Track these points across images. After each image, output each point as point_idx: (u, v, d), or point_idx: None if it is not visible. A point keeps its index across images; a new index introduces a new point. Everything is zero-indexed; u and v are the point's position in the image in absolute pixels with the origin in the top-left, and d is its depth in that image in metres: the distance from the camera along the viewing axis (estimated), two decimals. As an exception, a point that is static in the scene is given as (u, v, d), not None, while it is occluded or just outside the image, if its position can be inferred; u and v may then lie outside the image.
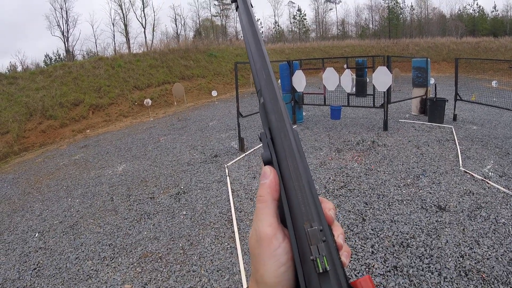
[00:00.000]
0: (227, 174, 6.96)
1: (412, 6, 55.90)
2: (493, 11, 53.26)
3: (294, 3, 59.43)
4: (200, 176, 6.97)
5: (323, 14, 59.06)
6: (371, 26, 57.64)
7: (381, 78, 8.94)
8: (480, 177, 5.91)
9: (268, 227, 0.43)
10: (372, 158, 7.25)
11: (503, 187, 5.52)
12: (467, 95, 10.87)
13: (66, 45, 40.08)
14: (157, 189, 6.54)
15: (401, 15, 56.06)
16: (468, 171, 6.20)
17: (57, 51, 42.57)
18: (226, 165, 7.46)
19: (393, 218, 4.77)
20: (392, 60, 9.70)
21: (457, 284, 3.45)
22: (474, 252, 3.91)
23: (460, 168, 6.40)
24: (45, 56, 42.58)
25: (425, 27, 51.69)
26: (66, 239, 5.07)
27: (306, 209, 0.43)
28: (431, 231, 4.39)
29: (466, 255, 3.87)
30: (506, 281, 3.47)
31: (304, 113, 11.73)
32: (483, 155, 7.10)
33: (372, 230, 4.52)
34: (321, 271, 0.39)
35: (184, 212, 5.46)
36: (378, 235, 4.39)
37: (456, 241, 4.15)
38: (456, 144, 7.80)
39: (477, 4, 53.84)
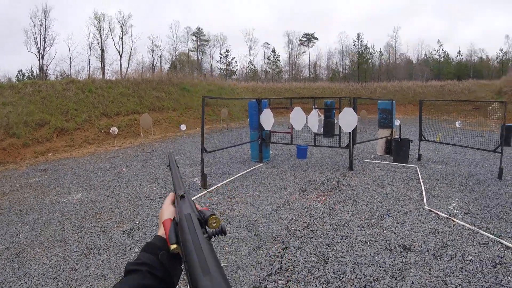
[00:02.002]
0: (185, 213, 6.61)
1: (381, 52, 58.84)
2: (457, 55, 56.78)
3: (269, 44, 61.61)
4: (158, 212, 6.58)
5: (296, 57, 61.29)
6: (341, 69, 60.01)
7: (347, 119, 9.04)
8: (445, 215, 5.87)
9: (169, 203, 1.01)
10: (336, 198, 7.13)
11: (469, 224, 5.49)
12: (431, 136, 11.16)
13: (41, 63, 39.59)
14: (111, 223, 6.14)
15: (370, 60, 58.73)
16: (433, 210, 6.16)
17: (31, 68, 42.06)
18: (186, 203, 7.12)
19: (356, 260, 4.57)
20: (360, 102, 9.93)
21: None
22: None
23: (425, 207, 6.36)
24: (18, 71, 41.86)
25: (392, 72, 54.17)
26: (10, 267, 4.65)
27: (179, 187, 1.03)
28: (396, 273, 4.20)
29: None
30: None
31: (271, 152, 11.66)
32: (447, 193, 7.13)
33: (334, 273, 4.28)
34: (180, 195, 0.93)
35: (136, 250, 5.06)
36: (340, 278, 4.16)
37: (422, 282, 3.97)
38: (420, 183, 7.84)
39: (442, 50, 57.28)
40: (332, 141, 10.60)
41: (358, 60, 57.36)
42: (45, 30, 39.62)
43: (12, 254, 5.05)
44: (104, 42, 44.57)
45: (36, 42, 39.23)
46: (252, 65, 60.87)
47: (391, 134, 11.36)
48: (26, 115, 14.60)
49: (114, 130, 14.38)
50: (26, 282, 4.28)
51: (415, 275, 4.12)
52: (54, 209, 6.91)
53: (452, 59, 56.87)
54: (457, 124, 15.05)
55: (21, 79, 38.52)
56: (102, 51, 44.37)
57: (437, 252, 4.66)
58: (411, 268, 4.29)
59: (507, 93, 24.28)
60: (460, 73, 49.47)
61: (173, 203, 0.99)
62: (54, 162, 11.87)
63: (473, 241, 4.93)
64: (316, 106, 10.03)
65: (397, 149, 10.25)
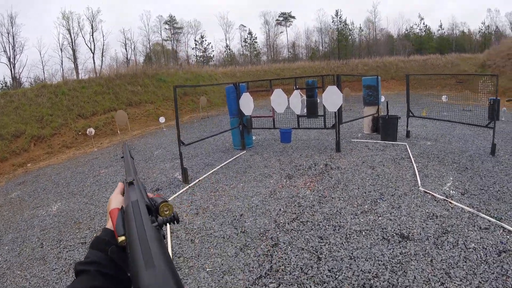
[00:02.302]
0: (166, 212, 6.16)
1: (360, 28, 58.35)
2: (439, 29, 56.81)
3: (245, 26, 60.35)
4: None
5: (274, 37, 60.28)
6: (321, 48, 59.35)
7: (331, 98, 8.62)
8: (441, 197, 5.54)
9: (117, 192, 0.92)
10: (325, 183, 6.73)
11: (467, 206, 5.16)
12: (417, 111, 10.84)
13: (13, 72, 38.20)
14: (90, 232, 5.70)
15: (350, 37, 58.24)
16: (428, 191, 5.82)
17: (3, 78, 40.22)
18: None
19: (352, 253, 4.19)
20: (343, 80, 9.47)
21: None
22: None
23: (420, 188, 6.02)
24: None
25: (373, 48, 53.86)
26: None
27: (129, 174, 0.97)
28: (396, 267, 3.83)
29: None
30: None
31: (253, 137, 11.20)
32: (441, 172, 6.80)
33: (329, 271, 3.90)
34: (128, 181, 0.87)
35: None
36: (336, 277, 3.78)
37: (424, 276, 3.62)
38: (412, 162, 7.51)
39: (423, 24, 57.15)
40: (316, 122, 10.16)
41: (337, 37, 56.79)
42: (13, 38, 38.10)
43: (-8, 281, 4.73)
44: (74, 41, 43.18)
45: (5, 51, 37.65)
46: (229, 49, 59.60)
47: (378, 111, 11.01)
48: (0, 127, 14.08)
49: (91, 131, 13.74)
50: (6, 311, 3.98)
51: (416, 268, 3.77)
52: (33, 224, 6.51)
53: (434, 33, 56.84)
54: (444, 98, 14.81)
55: (-5, 91, 37.01)
56: (74, 51, 43.01)
57: (437, 240, 4.32)
58: (411, 260, 3.94)
59: (491, 67, 24.18)
60: (442, 47, 49.49)
61: (123, 192, 0.92)
62: (33, 173, 11.29)
63: (474, 226, 4.59)
64: (297, 87, 9.55)
65: (384, 127, 9.91)
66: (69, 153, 13.89)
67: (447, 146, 8.75)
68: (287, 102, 9.37)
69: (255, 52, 59.96)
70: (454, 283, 3.47)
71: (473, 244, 4.14)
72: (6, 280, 4.67)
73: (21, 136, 14.09)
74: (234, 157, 9.39)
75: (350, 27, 58.01)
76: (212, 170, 8.33)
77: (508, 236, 4.28)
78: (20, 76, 38.92)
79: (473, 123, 9.09)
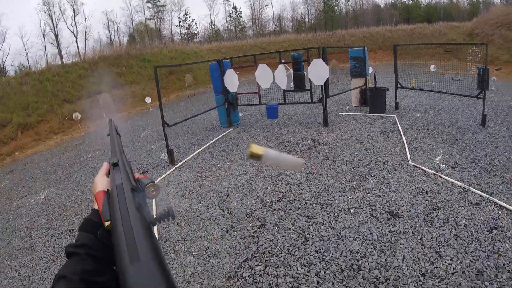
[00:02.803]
0: (152, 194, 5.97)
1: (347, -2, 57.15)
2: None
3: (229, 1, 58.70)
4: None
5: (259, 11, 58.88)
6: (307, 20, 58.27)
7: (317, 71, 8.35)
8: (431, 171, 5.40)
9: (102, 173, 0.86)
10: (313, 159, 6.56)
11: (458, 181, 5.02)
12: (405, 82, 10.60)
13: None
14: (77, 219, 5.56)
15: (336, 7, 57.13)
16: (417, 165, 5.68)
17: None
18: (153, 183, 6.46)
19: (340, 233, 4.05)
20: (329, 52, 9.19)
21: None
22: (437, 268, 3.28)
23: (409, 162, 5.87)
24: None
25: (360, 18, 53.00)
26: None
27: (113, 154, 0.90)
28: (385, 246, 3.70)
29: (427, 273, 3.23)
30: None
31: (240, 114, 10.92)
32: (431, 144, 6.65)
33: (317, 252, 3.76)
34: (113, 162, 0.82)
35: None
36: (324, 258, 3.64)
37: (414, 255, 3.50)
38: (401, 135, 7.34)
39: (411, -8, 56.08)
40: (303, 96, 9.87)
41: (324, 8, 55.71)
42: None
43: (-18, 273, 4.64)
44: (56, 26, 42.01)
45: None
46: (214, 25, 58.12)
47: (365, 83, 10.77)
48: None
49: (77, 116, 13.36)
50: (-4, 301, 3.93)
51: (406, 247, 3.64)
52: (21, 214, 6.38)
53: (421, 1, 55.95)
54: (432, 68, 14.59)
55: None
56: (56, 36, 41.90)
57: (427, 216, 4.19)
58: (400, 239, 3.81)
59: (479, 35, 23.84)
60: (430, 16, 48.74)
61: (108, 173, 0.85)
62: (22, 161, 11.02)
63: (465, 201, 4.46)
64: (283, 61, 9.25)
65: (373, 99, 9.71)
66: (56, 139, 13.63)
67: (436, 117, 8.59)
68: (272, 77, 9.08)
69: (240, 27, 58.68)
70: (445, 262, 3.36)
71: (464, 221, 4.02)
72: (-3, 271, 4.61)
73: (7, 125, 13.82)
74: (221, 135, 9.16)
75: (336, -3, 56.92)
76: (199, 150, 8.11)
77: (499, 212, 4.15)
78: (4, 65, 38.04)
79: (462, 93, 8.92)
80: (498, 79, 13.58)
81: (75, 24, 43.60)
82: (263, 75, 9.18)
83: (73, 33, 43.39)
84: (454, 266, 3.28)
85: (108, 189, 0.76)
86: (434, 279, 3.15)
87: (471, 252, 3.45)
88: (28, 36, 51.03)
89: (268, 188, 5.55)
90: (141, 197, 0.67)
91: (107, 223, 0.64)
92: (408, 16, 51.45)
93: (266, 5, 59.39)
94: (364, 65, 10.82)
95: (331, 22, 53.50)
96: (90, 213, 0.77)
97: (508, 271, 3.17)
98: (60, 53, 41.18)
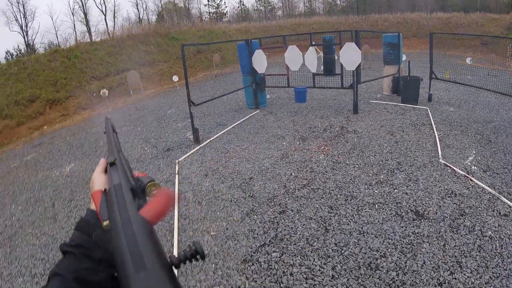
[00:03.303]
0: (176, 171, 6.00)
1: (382, -20, 54.95)
2: None
3: None
4: (149, 174, 5.89)
5: (289, -9, 57.33)
6: (338, 2, 56.48)
7: (349, 56, 8.03)
8: (462, 172, 5.11)
9: (100, 171, 0.83)
10: (340, 147, 6.36)
11: (489, 186, 4.72)
12: (440, 73, 10.08)
13: (26, 39, 37.77)
14: None
15: (370, -10, 55.15)
16: (448, 164, 5.39)
17: (18, 46, 40.01)
18: (177, 161, 6.49)
19: (362, 228, 3.91)
20: (362, 36, 8.81)
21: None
22: (455, 279, 3.11)
23: (440, 160, 5.58)
24: (6, 52, 40.03)
25: (394, 2, 51.03)
26: (2, 252, 4.49)
27: (110, 153, 0.86)
28: (406, 248, 3.55)
29: (445, 283, 3.08)
30: None
31: (268, 96, 10.71)
32: (463, 143, 6.31)
33: (336, 245, 3.65)
34: (110, 162, 0.77)
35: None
36: (342, 252, 3.54)
37: (435, 262, 3.34)
38: (433, 129, 7.01)
39: (448, -22, 53.47)
40: (333, 80, 9.54)
41: (357, -10, 53.89)
42: (23, 6, 37.26)
43: (5, 239, 4.83)
44: (85, 4, 41.96)
45: (16, 20, 37.04)
46: (243, 5, 57.02)
47: (399, 71, 10.34)
48: (15, 94, 14.06)
49: (105, 92, 13.36)
50: (16, 267, 4.10)
51: (427, 252, 3.48)
52: (46, 185, 6.54)
53: (460, -11, 53.39)
54: (468, 60, 13.88)
55: (10, 59, 37.03)
56: (85, 14, 41.80)
57: (453, 222, 3.97)
58: (424, 242, 3.64)
59: (517, 29, 22.63)
60: (466, 5, 46.37)
61: (106, 171, 0.81)
62: (49, 135, 11.21)
63: (493, 210, 4.18)
64: (313, 43, 8.93)
65: (405, 89, 9.29)
66: (84, 114, 13.80)
67: (470, 113, 8.15)
68: (302, 60, 8.80)
69: (269, 7, 57.46)
70: (464, 274, 3.17)
71: (489, 232, 3.77)
72: (18, 238, 4.73)
73: (36, 101, 14.14)
74: (247, 117, 9.02)
75: (371, -21, 54.84)
76: (224, 130, 8.02)
77: (528, 226, 3.88)
78: (34, 43, 38.46)
79: (499, 90, 8.42)
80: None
81: (104, 3, 43.72)
82: (292, 57, 8.91)
83: (102, 12, 43.47)
84: (473, 281, 3.09)
85: (105, 189, 0.72)
86: None
87: (492, 268, 3.24)
88: (58, 14, 51.56)
89: (293, 174, 5.43)
90: (141, 197, 0.64)
91: (105, 223, 0.59)
92: (444, 3, 49.23)
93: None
94: (398, 52, 10.33)
95: (363, 5, 51.72)
96: (86, 213, 0.73)
97: None
98: (89, 31, 41.40)
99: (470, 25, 28.48)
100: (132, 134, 8.83)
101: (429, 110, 8.42)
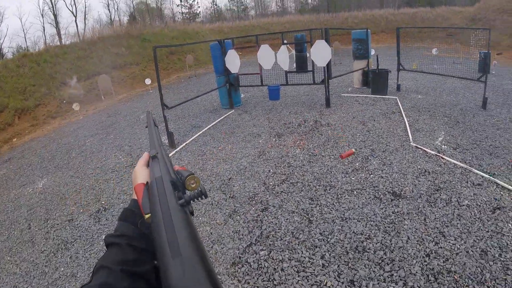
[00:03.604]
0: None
1: (351, -21, 56.06)
2: None
3: None
4: (124, 185, 5.85)
5: (262, -10, 57.82)
6: (310, 1, 57.30)
7: (320, 53, 8.20)
8: (433, 152, 5.34)
9: (142, 164, 0.82)
10: (315, 140, 6.48)
11: (460, 161, 4.96)
12: (408, 64, 10.42)
13: None
14: (77, 208, 5.41)
15: (339, -11, 56.16)
16: (419, 146, 5.62)
17: None
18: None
19: (343, 214, 4.01)
20: (332, 33, 9.01)
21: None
22: (441, 248, 3.27)
23: (411, 143, 5.80)
24: None
25: (363, 0, 52.11)
26: None
27: (152, 146, 0.88)
28: (389, 227, 3.68)
29: (432, 253, 3.22)
30: (481, 279, 2.89)
31: (242, 95, 10.77)
32: (432, 126, 6.57)
33: (321, 234, 3.72)
34: (152, 155, 0.81)
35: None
36: (328, 240, 3.61)
37: (418, 236, 3.49)
38: (403, 116, 7.24)
39: (415, -24, 55.00)
40: (306, 77, 9.72)
41: (327, -11, 54.79)
42: None
43: (-17, 271, 4.51)
44: (55, 5, 40.73)
45: None
46: (216, 5, 57.23)
47: (368, 65, 10.62)
48: None
49: (77, 105, 12.83)
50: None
51: (410, 228, 3.62)
52: (19, 204, 6.16)
53: (424, -15, 55.00)
54: (434, 51, 14.38)
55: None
56: (55, 15, 40.54)
57: (430, 197, 4.16)
58: (404, 219, 3.78)
59: (481, 20, 23.42)
60: (432, 0, 48.05)
61: (148, 164, 0.83)
62: (20, 148, 10.69)
63: (467, 182, 4.42)
64: (285, 41, 9.07)
65: (375, 81, 9.58)
66: (54, 123, 13.24)
67: (438, 99, 8.47)
68: (274, 58, 8.92)
69: (242, 7, 57.81)
70: (449, 242, 3.34)
71: (466, 201, 3.98)
72: (-3, 267, 4.47)
73: (4, 111, 13.36)
74: (222, 117, 9.04)
75: (340, -22, 55.86)
76: (200, 132, 8.00)
77: (501, 193, 4.11)
78: (2, 47, 36.87)
79: (464, 76, 8.77)
80: (499, 64, 13.40)
81: (75, 3, 42.67)
82: (265, 55, 9.02)
83: (72, 13, 42.42)
84: (458, 246, 3.26)
85: (147, 182, 0.74)
86: (439, 259, 3.13)
87: (475, 232, 3.44)
88: (27, 16, 49.96)
89: (271, 170, 5.49)
90: (181, 189, 0.66)
91: (147, 216, 0.62)
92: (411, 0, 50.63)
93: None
94: (366, 47, 10.65)
95: (334, 4, 52.63)
96: (130, 203, 0.77)
97: None
98: (59, 34, 40.07)
99: (436, 18, 29.36)
100: (105, 142, 8.64)
101: (398, 99, 8.69)
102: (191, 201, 0.61)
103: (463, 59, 13.37)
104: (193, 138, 7.67)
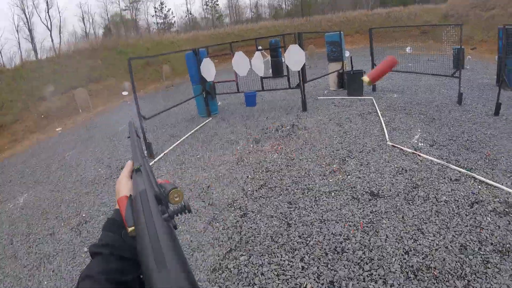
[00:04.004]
0: (133, 190, 5.84)
1: (324, -17, 57.01)
2: None
3: None
4: (104, 198, 5.78)
5: (236, -3, 58.12)
6: (284, 6, 57.89)
7: (294, 57, 8.28)
8: (410, 150, 5.43)
9: (125, 175, 0.85)
10: (293, 145, 6.52)
11: (437, 158, 5.06)
12: (383, 64, 10.59)
13: None
14: (58, 222, 5.34)
15: (313, -8, 56.97)
16: (396, 145, 5.70)
17: None
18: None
19: (322, 217, 4.03)
20: (306, 37, 9.14)
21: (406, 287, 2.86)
22: (420, 245, 3.32)
23: (388, 142, 5.89)
24: None
25: (336, 2, 52.94)
26: None
27: (135, 159, 0.89)
28: (367, 227, 3.72)
29: (411, 250, 3.27)
30: (461, 274, 2.93)
31: (219, 103, 10.78)
32: (408, 124, 6.69)
33: (300, 237, 3.73)
34: (135, 167, 0.81)
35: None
36: (307, 242, 3.62)
37: (397, 234, 3.53)
38: (379, 116, 7.36)
39: (387, -23, 56.29)
40: (282, 82, 9.82)
41: (300, -7, 55.48)
42: None
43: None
44: (30, 20, 40.34)
45: None
46: (190, 14, 57.31)
47: (342, 67, 10.77)
48: None
49: (59, 129, 12.79)
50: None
51: (388, 227, 3.66)
52: (1, 220, 6.05)
53: (397, -15, 56.35)
54: (408, 49, 14.73)
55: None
56: (30, 30, 40.23)
57: (408, 195, 4.22)
58: (382, 218, 3.83)
59: (454, 16, 24.07)
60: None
61: (131, 175, 0.87)
62: None
63: (444, 178, 4.51)
64: (260, 47, 9.14)
65: (350, 82, 9.72)
66: (33, 138, 13.01)
67: (413, 97, 8.65)
68: (249, 65, 8.96)
69: (217, 15, 58.00)
70: (428, 238, 3.39)
71: (444, 197, 4.06)
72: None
73: None
74: (200, 125, 9.02)
75: (314, -18, 56.69)
76: (178, 142, 7.96)
77: (479, 187, 4.21)
78: None
79: (438, 73, 8.99)
80: (473, 58, 13.77)
81: (49, 18, 42.25)
82: (240, 62, 9.05)
83: (47, 27, 41.98)
84: (437, 242, 3.32)
85: (130, 195, 0.76)
86: (418, 256, 3.18)
87: (453, 227, 3.50)
88: (2, 32, 48.99)
89: (249, 176, 5.49)
90: (164, 203, 0.66)
91: (130, 229, 0.64)
92: (384, 0, 51.71)
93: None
94: (340, 49, 10.81)
95: (307, 7, 53.32)
96: (114, 213, 0.80)
97: (492, 243, 3.22)
98: (34, 49, 39.68)
99: (409, 17, 30.01)
100: (84, 155, 8.52)
101: (374, 100, 8.84)
102: (175, 216, 0.63)
103: (437, 56, 13.69)
104: (171, 147, 7.63)
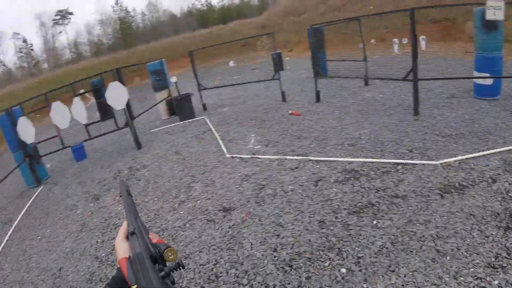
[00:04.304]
0: None
1: (143, 12, 57.59)
2: (219, 1, 61.17)
3: (18, 34, 51.97)
4: None
5: (52, 40, 54.08)
6: (105, 41, 56.30)
7: (115, 95, 7.98)
8: (248, 156, 5.73)
9: (122, 237, 0.87)
10: (135, 188, 6.12)
11: (273, 155, 5.49)
12: (210, 82, 11.07)
13: None
14: None
15: (133, 23, 56.92)
16: (235, 155, 5.96)
17: None
18: None
19: (185, 252, 3.86)
20: (130, 70, 8.93)
21: (287, 281, 2.98)
22: (284, 237, 3.53)
23: (226, 155, 6.11)
24: None
25: (158, 30, 53.74)
26: None
27: (130, 222, 0.88)
28: (230, 242, 3.75)
29: (278, 246, 3.42)
30: (329, 245, 3.21)
31: (48, 166, 9.63)
32: (242, 132, 7.07)
33: (172, 283, 3.46)
34: (130, 231, 0.83)
35: None
36: (180, 284, 3.47)
37: (259, 237, 3.65)
38: (214, 133, 7.58)
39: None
40: (111, 124, 9.30)
41: (120, 26, 54.73)
42: None
43: None
44: None
45: None
46: (4, 65, 51.20)
47: (169, 94, 10.86)
48: None
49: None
50: None
51: (250, 234, 3.77)
52: None
53: (215, 6, 60.63)
54: (231, 63, 15.64)
55: None
56: None
57: (257, 197, 4.42)
58: (241, 228, 3.92)
59: (271, 26, 26.81)
60: (224, 17, 52.67)
61: (127, 236, 0.89)
62: None
63: (285, 170, 4.89)
64: (82, 90, 8.59)
65: (180, 107, 9.90)
66: None
67: (242, 106, 9.20)
68: (70, 114, 8.27)
69: (33, 62, 52.93)
70: (288, 229, 3.59)
71: (290, 186, 4.38)
72: None
73: None
74: (31, 200, 7.73)
75: (132, 13, 56.68)
76: (12, 228, 6.54)
77: (317, 166, 4.70)
78: None
79: (261, 79, 9.73)
80: (292, 58, 15.39)
81: None
82: (59, 113, 8.27)
83: None
84: (298, 228, 3.55)
85: (129, 256, 0.78)
86: (286, 248, 3.33)
87: (307, 210, 3.81)
88: None
89: (98, 240, 4.93)
90: (160, 261, 0.73)
91: (133, 287, 0.67)
92: (204, 21, 54.53)
93: (60, 32, 54.59)
94: (164, 77, 10.92)
95: (130, 39, 52.68)
96: (117, 271, 0.83)
97: (345, 208, 3.63)
98: None
99: (231, 33, 32.07)
100: None
101: (206, 118, 9.14)
102: (171, 272, 0.72)
103: (261, 63, 14.90)
104: (6, 238, 6.20)
